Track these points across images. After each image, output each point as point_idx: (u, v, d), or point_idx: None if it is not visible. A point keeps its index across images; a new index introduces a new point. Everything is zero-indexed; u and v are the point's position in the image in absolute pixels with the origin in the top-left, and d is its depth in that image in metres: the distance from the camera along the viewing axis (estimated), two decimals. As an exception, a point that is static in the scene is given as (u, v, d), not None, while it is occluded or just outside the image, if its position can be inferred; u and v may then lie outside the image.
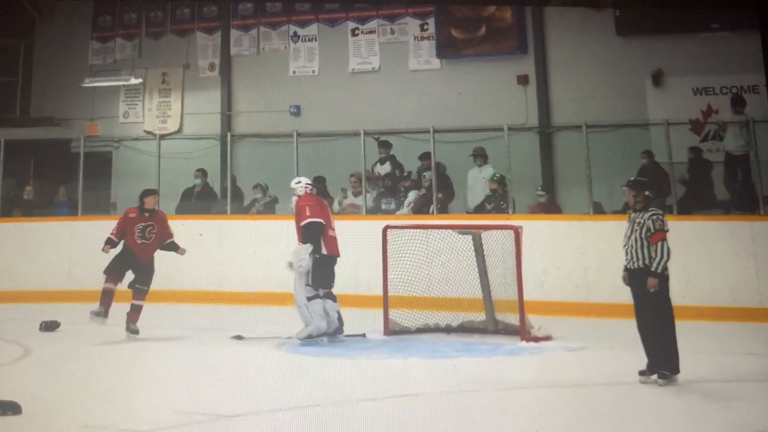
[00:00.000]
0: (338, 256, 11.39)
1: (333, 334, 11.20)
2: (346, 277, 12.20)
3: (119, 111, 17.59)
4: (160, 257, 11.82)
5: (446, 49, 16.29)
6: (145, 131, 17.25)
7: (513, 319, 11.28)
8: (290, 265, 11.13)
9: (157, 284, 11.68)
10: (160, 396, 8.75)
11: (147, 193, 12.14)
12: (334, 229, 11.44)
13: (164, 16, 17.65)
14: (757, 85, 13.44)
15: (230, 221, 14.52)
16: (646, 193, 9.28)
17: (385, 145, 15.08)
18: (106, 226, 13.00)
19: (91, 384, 9.25)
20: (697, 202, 13.37)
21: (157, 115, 17.41)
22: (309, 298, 11.11)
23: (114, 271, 11.62)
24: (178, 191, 15.16)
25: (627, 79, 14.88)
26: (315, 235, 11.22)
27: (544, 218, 13.55)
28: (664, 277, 8.97)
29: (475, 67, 16.05)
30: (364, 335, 11.38)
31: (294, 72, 17.01)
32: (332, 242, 11.37)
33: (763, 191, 12.78)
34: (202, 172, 15.51)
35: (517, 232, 11.33)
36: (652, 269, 8.93)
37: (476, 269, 11.58)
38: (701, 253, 12.17)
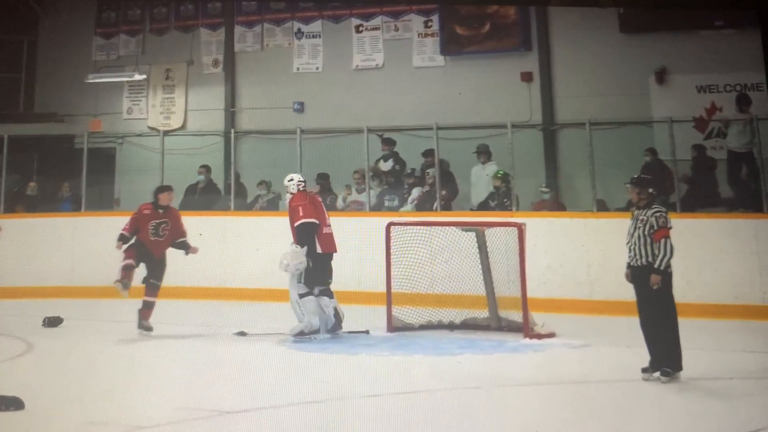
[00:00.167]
0: (335, 252, 11.40)
1: (332, 330, 11.21)
2: (350, 273, 12.23)
3: (123, 107, 17.61)
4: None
5: (450, 46, 16.27)
6: (148, 127, 17.27)
7: (516, 316, 11.29)
8: (286, 266, 11.11)
9: (160, 280, 11.71)
10: (163, 392, 8.75)
11: (162, 189, 12.03)
12: (329, 226, 11.44)
13: (168, 12, 17.66)
14: (761, 83, 13.42)
15: (233, 218, 14.54)
16: (650, 190, 9.27)
17: (388, 142, 15.08)
18: (110, 222, 13.07)
19: (93, 380, 9.26)
20: (701, 199, 13.35)
21: (160, 112, 17.42)
22: (301, 295, 11.12)
23: (134, 251, 11.56)
24: (181, 188, 15.14)
25: (631, 77, 14.86)
26: (309, 235, 11.22)
27: (548, 215, 13.55)
28: (667, 275, 8.96)
29: (479, 64, 16.03)
30: (367, 332, 11.39)
31: (298, 69, 17.01)
32: (327, 239, 11.37)
33: (766, 189, 12.76)
34: (206, 169, 15.54)
35: (521, 229, 11.33)
36: (655, 266, 8.93)
37: (479, 266, 11.59)
38: (704, 250, 12.15)
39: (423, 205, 14.33)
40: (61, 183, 15.75)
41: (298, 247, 11.16)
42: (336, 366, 9.92)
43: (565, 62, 15.48)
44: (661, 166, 13.55)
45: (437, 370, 9.68)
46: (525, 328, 11.04)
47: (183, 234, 11.84)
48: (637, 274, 9.08)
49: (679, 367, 8.90)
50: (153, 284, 11.52)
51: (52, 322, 12.04)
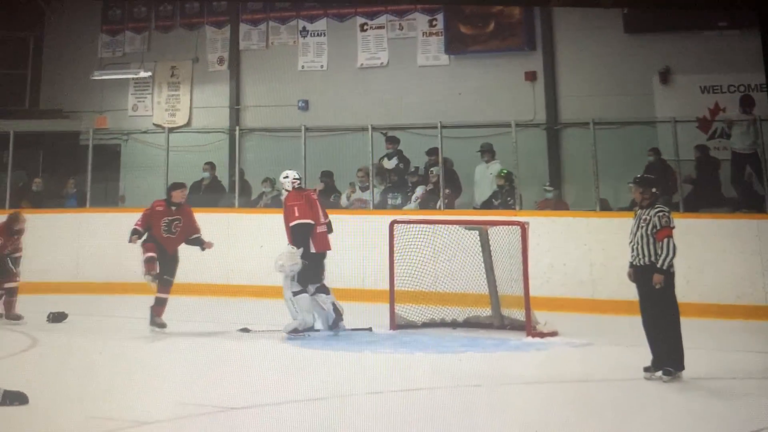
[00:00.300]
0: (328, 250, 11.44)
1: (334, 324, 11.25)
2: (353, 271, 12.28)
3: (128, 104, 17.64)
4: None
5: (454, 45, 16.28)
6: (153, 124, 17.29)
7: (519, 314, 11.31)
8: (281, 267, 11.14)
9: (164, 277, 11.75)
10: (166, 388, 8.79)
11: (175, 186, 12.05)
12: (323, 224, 11.47)
13: (174, 10, 17.68)
14: (765, 84, 13.41)
15: (238, 215, 14.57)
16: (653, 190, 9.29)
17: (392, 141, 15.09)
18: (115, 218, 13.12)
19: (96, 376, 9.27)
20: (704, 199, 13.36)
21: (165, 109, 17.46)
22: (295, 293, 11.15)
23: (153, 242, 11.56)
24: (186, 184, 15.17)
25: (634, 77, 14.86)
26: (304, 236, 11.26)
27: (551, 214, 13.56)
28: (669, 274, 8.98)
29: (483, 64, 16.04)
30: (370, 329, 11.42)
31: (303, 67, 17.03)
32: (321, 238, 11.41)
33: (769, 190, 12.79)
34: (211, 166, 15.56)
35: (524, 228, 11.36)
36: (658, 266, 8.95)
37: (482, 265, 11.61)
38: (706, 250, 12.16)
39: (426, 204, 14.35)
40: (67, 179, 15.78)
41: (295, 248, 11.19)
42: (338, 363, 9.94)
43: (569, 62, 15.49)
44: (664, 166, 13.54)
45: (439, 368, 9.71)
46: (527, 327, 11.07)
47: (196, 230, 11.85)
48: (640, 273, 9.10)
49: (681, 367, 8.93)
50: (166, 280, 11.53)
51: (57, 317, 12.09)
